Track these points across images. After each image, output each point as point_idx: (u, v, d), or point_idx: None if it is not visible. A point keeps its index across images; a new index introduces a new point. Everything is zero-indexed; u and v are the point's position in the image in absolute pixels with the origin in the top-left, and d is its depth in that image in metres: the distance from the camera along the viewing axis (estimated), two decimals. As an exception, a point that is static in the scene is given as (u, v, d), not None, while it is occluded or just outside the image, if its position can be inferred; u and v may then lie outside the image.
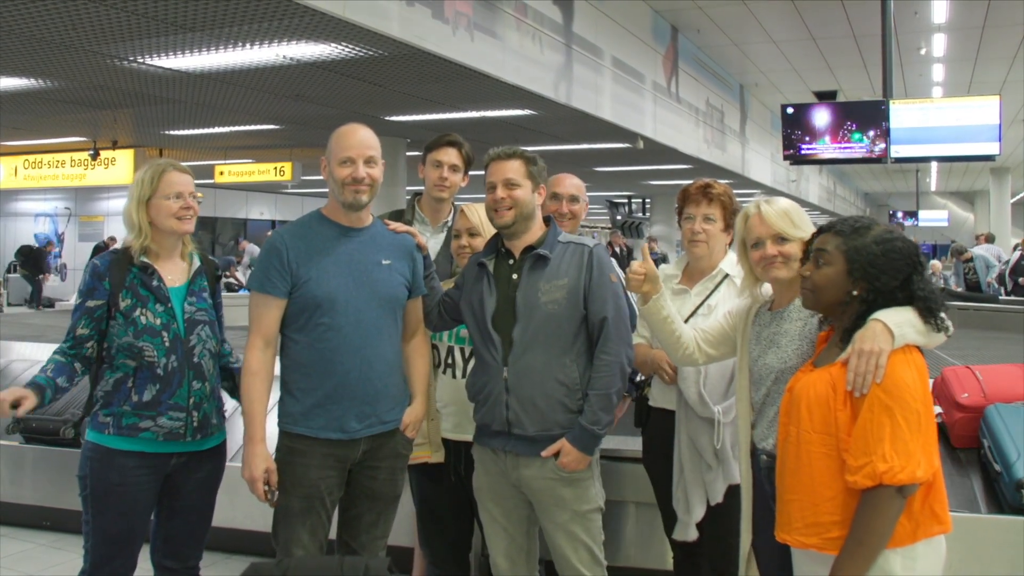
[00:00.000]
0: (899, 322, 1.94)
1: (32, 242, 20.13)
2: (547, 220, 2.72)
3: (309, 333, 2.52)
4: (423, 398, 2.71)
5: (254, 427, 2.48)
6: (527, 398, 2.53)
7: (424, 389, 2.73)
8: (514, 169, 2.62)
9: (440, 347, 2.97)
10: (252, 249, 17.31)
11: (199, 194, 2.68)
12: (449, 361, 2.96)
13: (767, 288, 2.49)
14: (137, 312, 2.56)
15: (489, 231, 2.98)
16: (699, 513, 2.77)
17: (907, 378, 1.90)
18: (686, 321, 2.82)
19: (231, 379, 2.82)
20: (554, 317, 2.53)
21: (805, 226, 2.38)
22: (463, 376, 2.91)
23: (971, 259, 13.53)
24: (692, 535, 2.79)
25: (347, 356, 2.50)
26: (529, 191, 2.62)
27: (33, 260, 17.41)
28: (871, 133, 8.17)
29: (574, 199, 3.23)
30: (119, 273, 2.58)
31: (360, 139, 2.57)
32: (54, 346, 5.43)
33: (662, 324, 2.51)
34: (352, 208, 2.58)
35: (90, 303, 2.58)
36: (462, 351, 2.95)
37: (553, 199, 3.21)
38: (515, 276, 2.61)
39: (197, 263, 2.73)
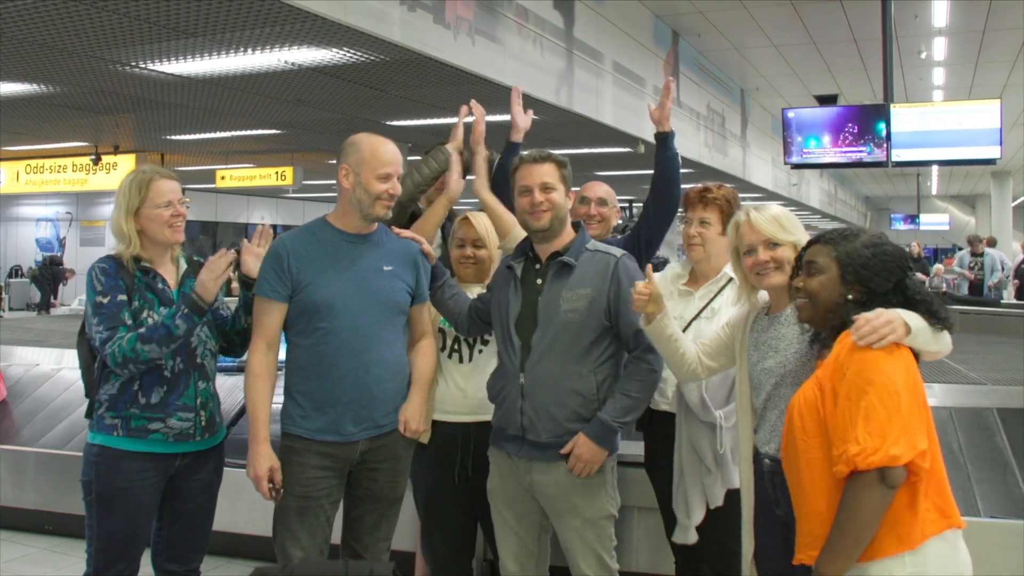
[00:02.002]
0: (918, 326, 1.94)
1: (33, 247, 20.19)
2: (576, 226, 2.71)
3: (308, 337, 2.55)
4: (421, 392, 2.69)
5: (257, 427, 2.51)
6: (541, 405, 2.54)
7: (423, 385, 2.71)
8: (548, 172, 2.63)
9: (447, 333, 2.98)
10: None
11: (187, 199, 2.68)
12: (455, 347, 2.97)
13: (763, 295, 2.49)
14: (144, 315, 2.57)
15: (494, 241, 2.99)
16: (698, 516, 2.77)
17: (886, 367, 1.87)
18: (689, 324, 2.83)
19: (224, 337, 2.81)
20: (572, 326, 2.54)
21: (796, 230, 2.38)
22: (470, 360, 2.94)
23: (983, 254, 13.45)
24: (692, 538, 2.79)
25: (344, 360, 2.52)
26: (563, 194, 2.64)
27: (51, 273, 17.50)
28: (879, 136, 8.16)
29: (603, 202, 3.28)
30: (127, 276, 2.59)
31: (396, 155, 2.62)
32: (56, 351, 5.45)
33: (667, 343, 2.50)
34: (378, 221, 2.63)
35: (120, 297, 2.54)
36: (467, 341, 2.97)
37: (582, 203, 3.25)
38: (539, 281, 2.62)
39: (184, 265, 2.76)
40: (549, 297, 2.57)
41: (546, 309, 2.56)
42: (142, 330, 2.50)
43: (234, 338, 2.78)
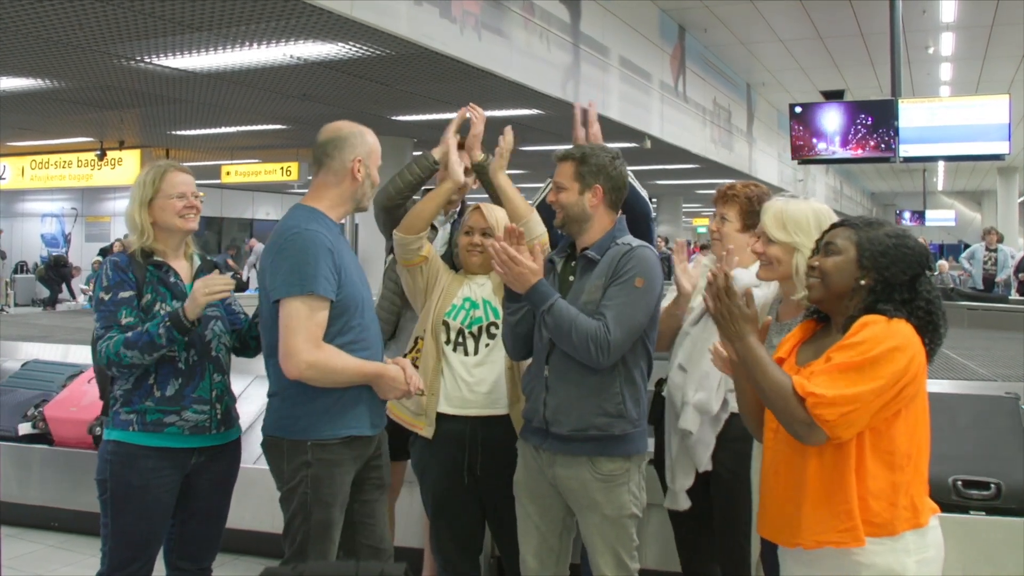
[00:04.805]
0: None
1: (38, 242, 20.23)
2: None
3: (345, 335, 2.45)
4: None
5: (361, 367, 2.44)
6: (563, 397, 2.54)
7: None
8: (560, 172, 2.62)
9: (451, 326, 2.93)
10: (260, 248, 17.31)
11: (201, 193, 2.71)
12: (460, 340, 2.93)
13: (774, 284, 2.49)
14: (157, 307, 2.58)
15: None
16: (684, 483, 2.81)
17: (876, 329, 1.88)
18: (697, 323, 2.82)
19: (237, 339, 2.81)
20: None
21: (800, 234, 2.35)
22: (475, 353, 2.92)
23: (996, 249, 13.37)
24: (683, 504, 2.82)
25: (375, 355, 2.52)
26: (575, 193, 2.58)
27: (58, 271, 17.54)
28: (887, 131, 8.11)
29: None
30: (139, 270, 2.60)
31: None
32: (62, 347, 5.45)
33: None
34: (363, 211, 2.65)
35: (123, 294, 2.56)
36: (472, 333, 2.95)
37: None
38: (571, 278, 2.63)
39: (198, 262, 2.77)
40: (575, 292, 2.58)
41: (571, 303, 2.54)
42: (129, 334, 2.49)
43: (249, 341, 2.77)
